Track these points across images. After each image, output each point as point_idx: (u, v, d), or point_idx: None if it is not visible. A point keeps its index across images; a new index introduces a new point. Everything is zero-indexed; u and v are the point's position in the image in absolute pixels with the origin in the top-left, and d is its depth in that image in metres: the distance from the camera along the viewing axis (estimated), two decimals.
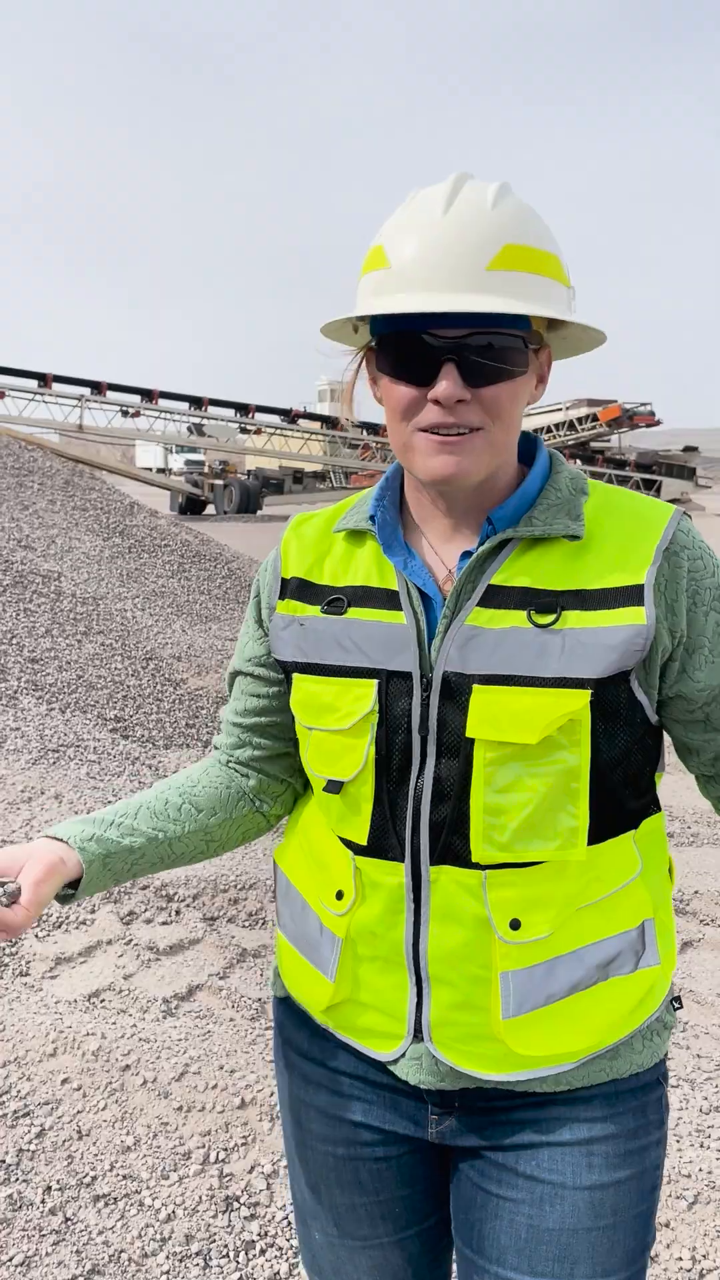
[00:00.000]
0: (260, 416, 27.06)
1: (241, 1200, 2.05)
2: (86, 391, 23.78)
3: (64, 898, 1.04)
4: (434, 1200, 1.12)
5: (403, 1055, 1.03)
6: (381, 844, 1.01)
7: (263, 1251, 1.96)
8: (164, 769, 4.73)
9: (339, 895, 1.05)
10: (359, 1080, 1.08)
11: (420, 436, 0.95)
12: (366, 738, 1.00)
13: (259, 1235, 1.98)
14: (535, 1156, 1.01)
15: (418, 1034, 1.01)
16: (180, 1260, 1.91)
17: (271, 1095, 2.27)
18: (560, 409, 28.95)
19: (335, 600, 1.04)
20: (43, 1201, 1.99)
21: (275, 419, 27.30)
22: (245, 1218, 2.02)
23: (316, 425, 27.98)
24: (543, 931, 0.98)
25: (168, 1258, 1.91)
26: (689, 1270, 1.96)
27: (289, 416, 27.33)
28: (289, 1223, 2.02)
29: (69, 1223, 1.96)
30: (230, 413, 26.57)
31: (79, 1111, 2.21)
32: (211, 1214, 2.01)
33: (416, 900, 1.00)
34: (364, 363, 1.04)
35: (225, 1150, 2.15)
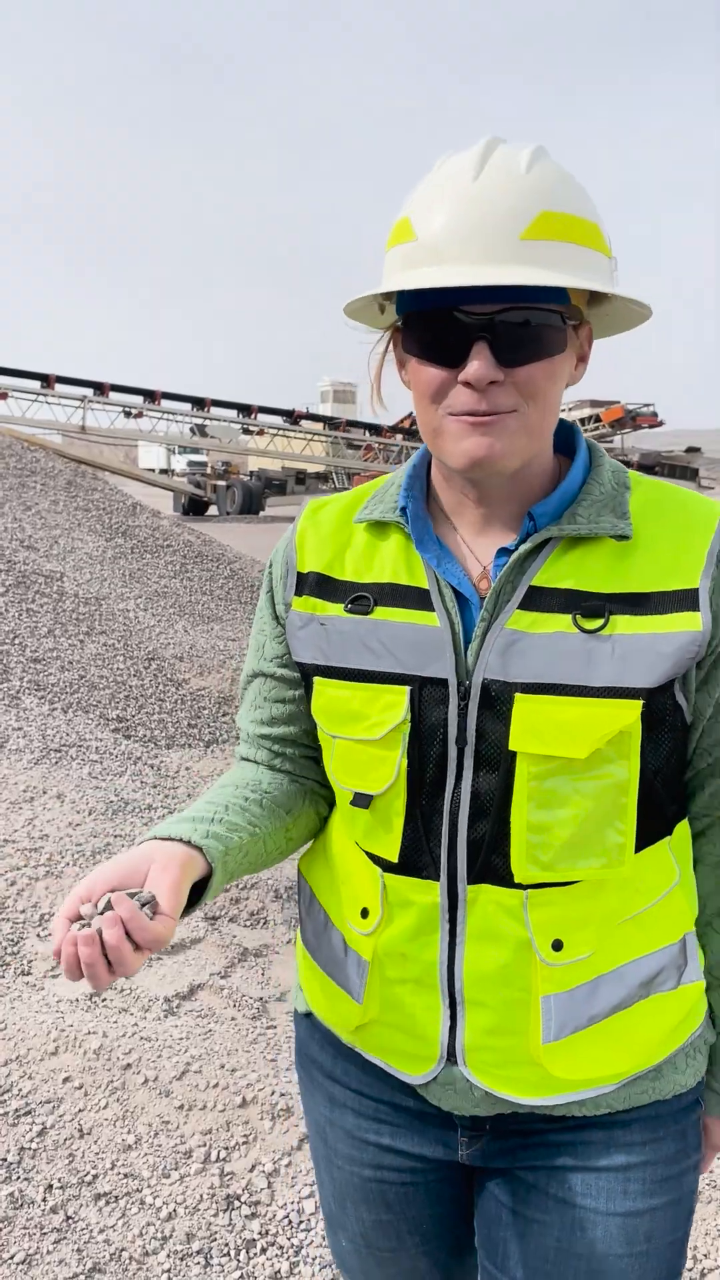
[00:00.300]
0: (263, 417, 27.08)
1: (242, 1199, 2.05)
2: (89, 392, 23.80)
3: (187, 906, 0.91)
4: (461, 1215, 1.09)
5: (434, 1079, 0.98)
6: (414, 861, 0.94)
7: (264, 1250, 1.96)
8: (166, 769, 4.74)
9: (364, 913, 0.99)
10: (386, 1104, 1.04)
11: (450, 420, 0.88)
12: (398, 749, 0.92)
13: (260, 1234, 1.98)
14: (569, 1181, 0.97)
15: (450, 1057, 0.96)
16: (181, 1259, 1.91)
17: (272, 1094, 2.27)
18: (563, 410, 28.96)
19: (360, 598, 0.96)
20: (44, 1200, 1.99)
21: (278, 420, 27.31)
22: (246, 1216, 2.02)
23: (319, 426, 27.98)
24: (585, 951, 0.93)
25: (169, 1256, 1.91)
26: (690, 1269, 1.95)
27: (291, 417, 27.34)
28: (289, 1221, 2.02)
29: (70, 1221, 1.96)
30: (233, 413, 26.58)
31: (80, 1110, 2.21)
32: (212, 1212, 2.01)
33: (452, 920, 0.94)
34: (390, 345, 0.97)
35: (226, 1149, 2.15)
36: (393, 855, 0.95)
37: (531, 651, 0.89)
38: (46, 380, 23.20)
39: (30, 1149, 2.11)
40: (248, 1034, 2.56)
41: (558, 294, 0.86)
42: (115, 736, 4.95)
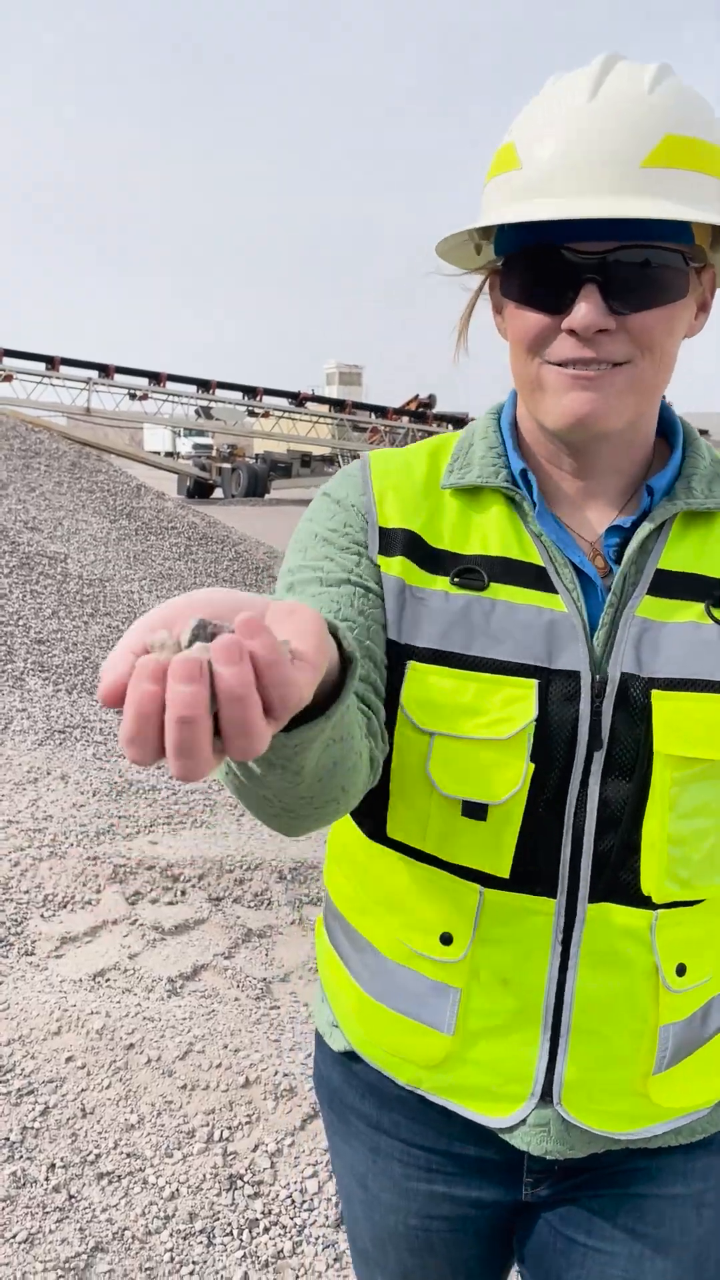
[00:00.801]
0: (268, 399, 26.97)
1: (245, 1178, 2.04)
2: (94, 374, 23.73)
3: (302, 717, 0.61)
4: (508, 1249, 1.02)
5: (521, 1121, 0.87)
6: (528, 877, 0.83)
7: (266, 1230, 1.95)
8: None
9: (446, 939, 0.86)
10: (440, 1154, 0.93)
11: (551, 371, 0.78)
12: (524, 752, 0.80)
13: (263, 1213, 1.98)
14: (639, 1208, 0.90)
15: (544, 1095, 0.86)
16: (184, 1238, 1.91)
17: (275, 1074, 2.27)
18: None
19: (469, 571, 0.83)
20: (46, 1179, 1.99)
21: (283, 402, 27.20)
22: (249, 1196, 2.01)
23: (324, 409, 27.87)
24: (705, 975, 0.86)
25: (171, 1235, 1.91)
26: None
27: (297, 400, 27.22)
28: (293, 1201, 2.02)
29: (72, 1200, 1.96)
30: (238, 396, 26.48)
31: (83, 1090, 2.20)
32: (215, 1192, 2.01)
33: (565, 943, 0.83)
34: (488, 289, 0.86)
35: (229, 1129, 2.15)
36: (503, 870, 0.83)
37: (666, 643, 0.80)
38: (51, 362, 23.13)
39: (33, 1128, 2.10)
40: (251, 1014, 2.56)
41: (681, 231, 0.75)
42: (119, 718, 4.94)
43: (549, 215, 0.72)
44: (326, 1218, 1.99)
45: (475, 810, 0.82)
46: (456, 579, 0.83)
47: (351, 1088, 0.98)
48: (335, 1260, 1.91)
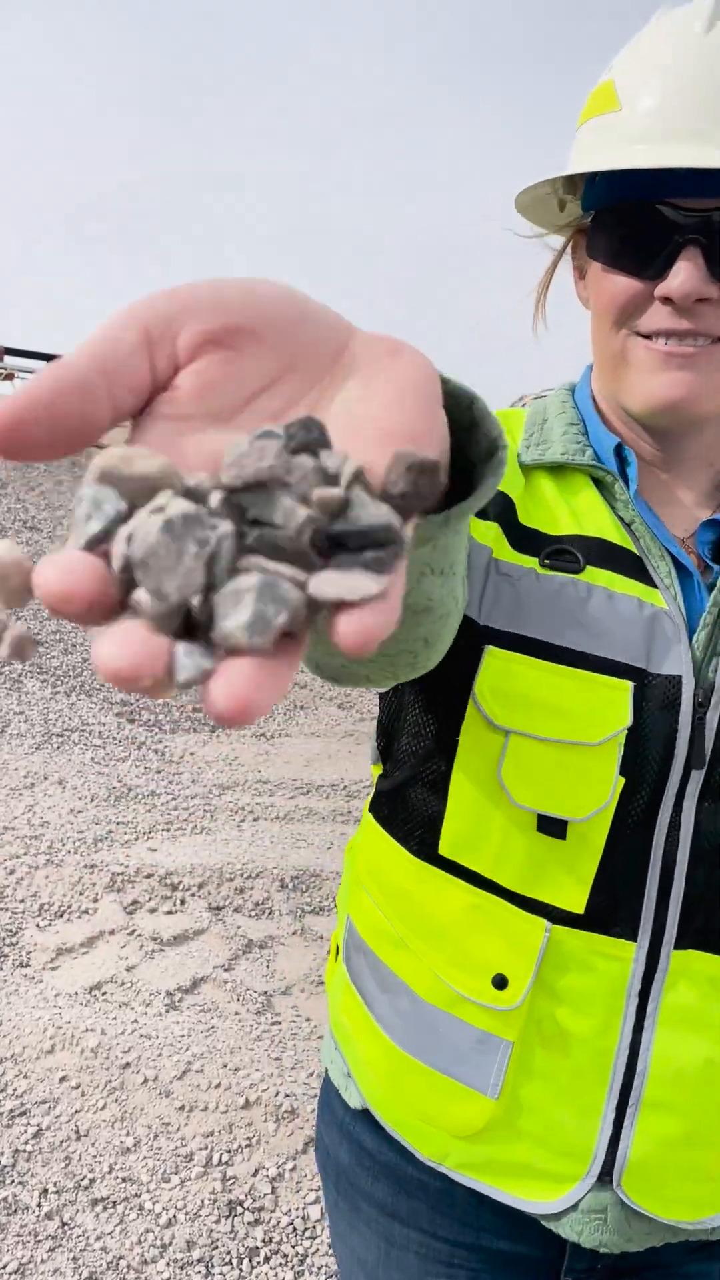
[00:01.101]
0: None
1: (245, 1205, 1.97)
2: None
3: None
4: None
5: (572, 1206, 0.74)
6: (606, 914, 0.71)
7: (267, 1259, 1.88)
8: (170, 754, 4.65)
9: (500, 982, 0.74)
10: (465, 1248, 0.80)
11: (639, 345, 0.68)
12: (614, 763, 0.69)
13: (263, 1241, 1.91)
14: None
15: (602, 1175, 0.74)
16: (181, 1267, 1.84)
17: (276, 1094, 2.19)
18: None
19: (563, 553, 0.71)
20: (39, 1205, 1.92)
21: None
22: (249, 1223, 1.94)
23: None
24: None
25: (168, 1264, 1.84)
26: None
27: None
28: (294, 1229, 1.94)
29: (65, 1228, 1.89)
30: None
31: (77, 1111, 2.13)
32: (214, 1219, 1.93)
33: (643, 995, 0.72)
34: (571, 252, 0.77)
35: (229, 1152, 2.07)
36: (577, 904, 0.71)
37: None
38: (53, 360, 23.08)
39: (25, 1151, 2.03)
40: (251, 1030, 2.48)
41: None
42: (118, 721, 4.87)
43: (649, 163, 0.62)
44: (328, 1246, 1.91)
45: (553, 827, 0.70)
46: (548, 560, 0.71)
47: (363, 1169, 0.84)
48: None
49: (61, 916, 3.05)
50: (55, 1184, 1.97)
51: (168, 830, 3.73)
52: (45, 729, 4.49)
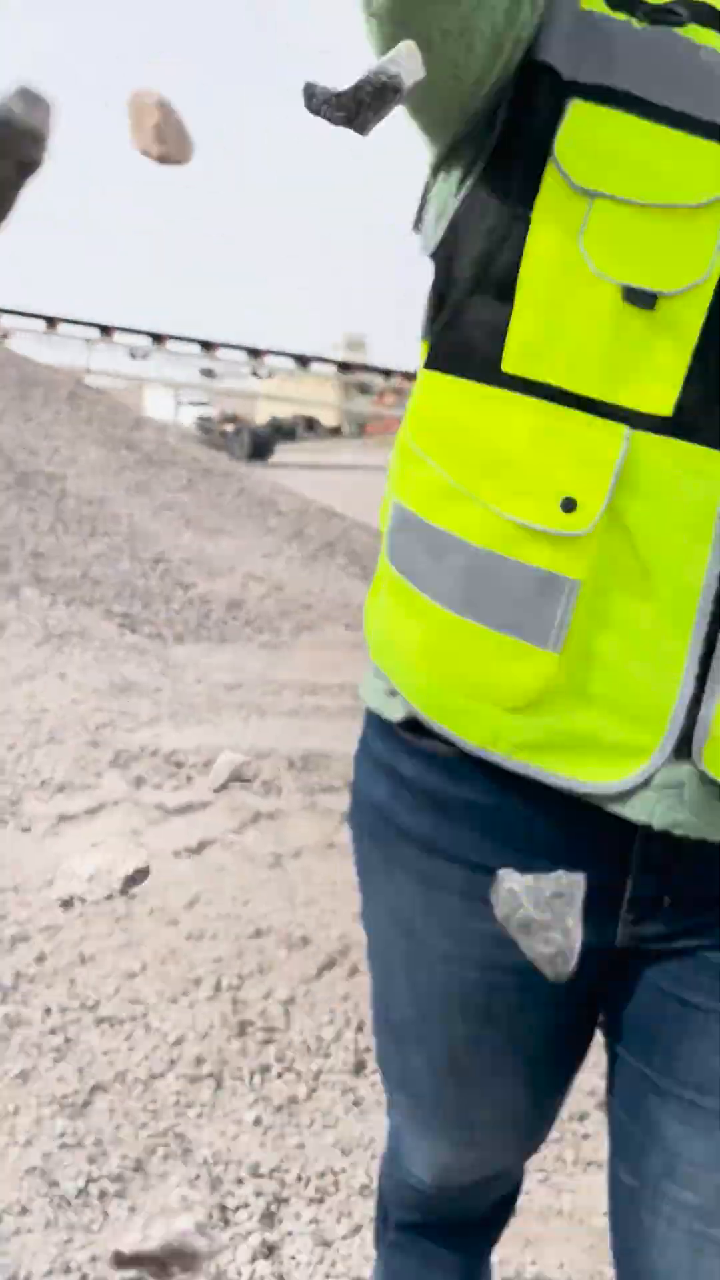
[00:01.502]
0: (272, 360, 26.65)
1: (256, 1025, 1.89)
2: (94, 334, 23.44)
3: None
4: (586, 1022, 0.81)
5: (645, 782, 0.65)
6: (697, 419, 0.63)
7: (279, 1075, 1.80)
8: (174, 661, 4.56)
9: (568, 505, 0.64)
10: (519, 866, 0.74)
11: None
12: (716, 228, 0.61)
13: (276, 1059, 1.83)
14: None
15: (681, 748, 0.65)
16: (191, 1081, 1.76)
17: (289, 923, 2.11)
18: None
19: (664, 10, 0.63)
20: (42, 1021, 1.84)
21: (289, 363, 26.88)
22: (261, 1042, 1.86)
23: (331, 370, 27.57)
24: None
25: (177, 1078, 1.76)
26: None
27: (302, 361, 26.91)
28: (308, 1048, 1.87)
29: (70, 1043, 1.81)
30: (242, 356, 26.16)
31: (82, 937, 2.05)
32: (224, 1038, 1.86)
33: None
34: None
35: (239, 977, 1.99)
36: (664, 405, 0.63)
37: None
38: (50, 321, 22.83)
39: (27, 975, 1.95)
40: (264, 882, 2.40)
41: None
42: (121, 630, 4.78)
43: None
44: (344, 1064, 1.84)
45: (642, 299, 0.62)
46: (646, 13, 0.63)
47: (401, 803, 0.75)
48: (354, 1105, 1.76)
49: (63, 791, 2.97)
50: (59, 1004, 1.89)
51: (173, 719, 3.64)
52: (45, 632, 4.40)
